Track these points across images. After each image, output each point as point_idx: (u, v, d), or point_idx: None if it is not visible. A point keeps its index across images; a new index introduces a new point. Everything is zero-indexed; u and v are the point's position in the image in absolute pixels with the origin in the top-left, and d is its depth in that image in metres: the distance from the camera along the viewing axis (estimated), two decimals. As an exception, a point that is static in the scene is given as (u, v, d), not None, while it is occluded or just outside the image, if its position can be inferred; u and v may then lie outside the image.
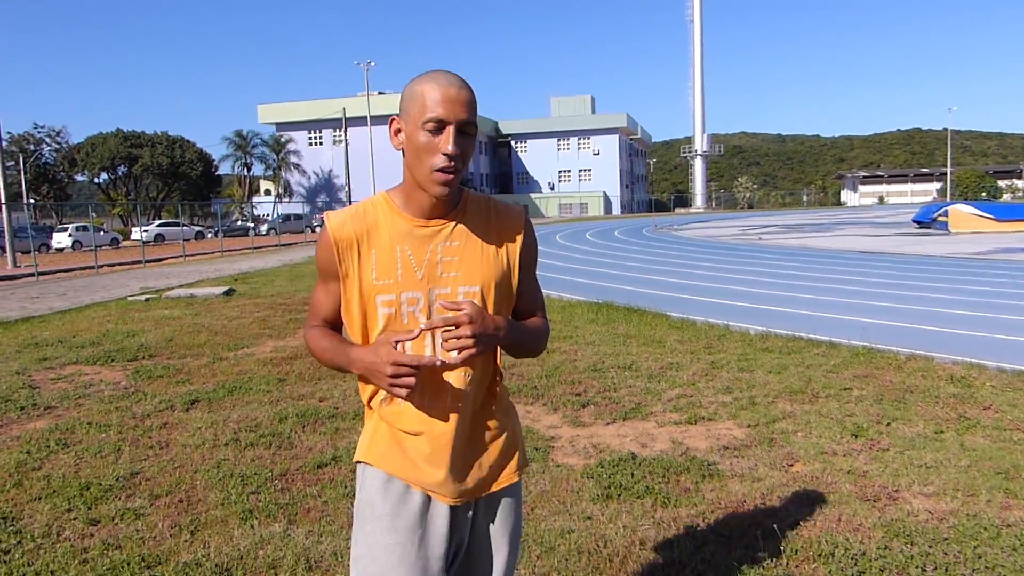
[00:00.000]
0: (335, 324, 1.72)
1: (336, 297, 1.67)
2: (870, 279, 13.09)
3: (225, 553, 3.23)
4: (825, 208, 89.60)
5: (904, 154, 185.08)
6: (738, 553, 3.10)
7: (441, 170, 1.51)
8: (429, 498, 1.66)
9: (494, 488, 1.72)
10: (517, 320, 1.71)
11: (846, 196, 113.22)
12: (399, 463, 1.65)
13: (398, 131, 1.58)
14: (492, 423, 1.72)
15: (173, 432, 5.10)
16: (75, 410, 5.76)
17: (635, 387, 5.91)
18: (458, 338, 1.49)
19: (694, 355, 6.98)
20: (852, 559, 3.00)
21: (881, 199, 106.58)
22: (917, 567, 2.93)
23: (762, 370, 6.29)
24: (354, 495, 3.88)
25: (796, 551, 3.09)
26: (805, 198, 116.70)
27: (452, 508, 1.67)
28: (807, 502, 3.61)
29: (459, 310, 1.50)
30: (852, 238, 25.48)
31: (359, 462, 1.72)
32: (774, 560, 3.03)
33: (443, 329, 1.51)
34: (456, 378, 1.62)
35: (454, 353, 1.52)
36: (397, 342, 1.50)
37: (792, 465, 4.14)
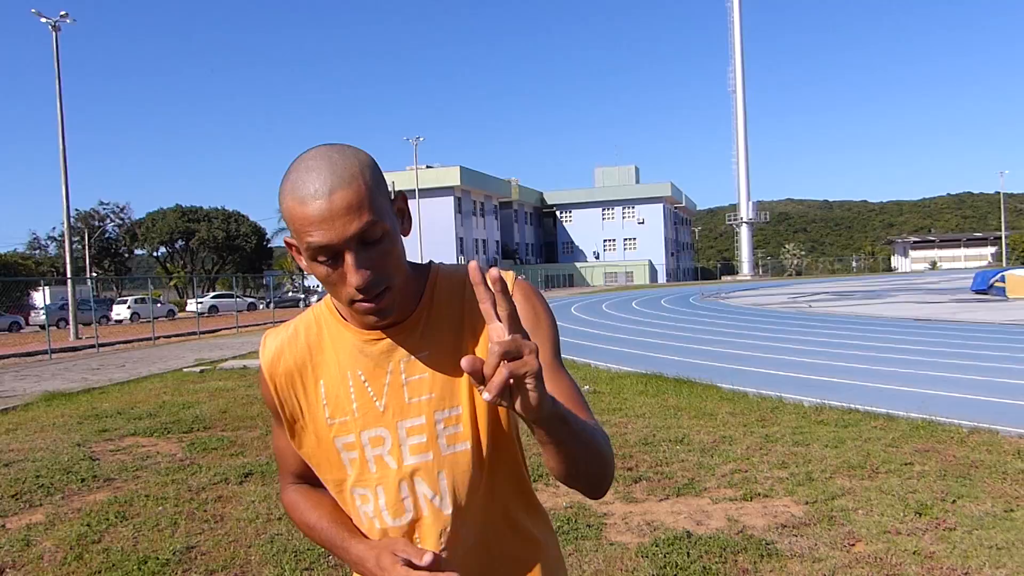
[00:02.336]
0: (311, 477, 1.31)
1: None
2: (926, 348, 12.77)
3: (280, 631, 3.24)
4: (875, 274, 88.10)
5: (956, 218, 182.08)
6: (801, 639, 2.99)
7: (360, 303, 1.10)
8: None
9: None
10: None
11: (897, 262, 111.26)
12: None
13: (298, 250, 1.12)
14: (510, 569, 1.26)
15: (228, 505, 5.16)
16: (133, 482, 5.88)
17: (687, 461, 5.81)
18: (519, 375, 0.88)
19: (747, 428, 6.86)
20: (922, 647, 2.88)
21: (933, 264, 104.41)
22: (993, 657, 2.79)
23: (818, 444, 6.14)
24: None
25: (862, 638, 2.98)
26: (854, 264, 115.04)
27: None
28: (872, 585, 3.49)
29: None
30: (905, 305, 24.93)
31: None
32: (839, 647, 2.92)
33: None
34: (453, 533, 1.21)
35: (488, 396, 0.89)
36: (405, 560, 1.09)
37: (854, 545, 4.01)
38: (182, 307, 51.76)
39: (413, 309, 1.19)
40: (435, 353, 1.18)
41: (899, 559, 3.77)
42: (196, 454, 6.76)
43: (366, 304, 1.09)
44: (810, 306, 26.72)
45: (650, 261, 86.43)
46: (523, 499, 1.29)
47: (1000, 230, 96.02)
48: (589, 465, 1.08)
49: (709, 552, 3.94)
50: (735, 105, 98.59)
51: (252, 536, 4.49)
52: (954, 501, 4.61)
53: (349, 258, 1.06)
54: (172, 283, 69.75)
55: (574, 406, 1.13)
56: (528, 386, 0.89)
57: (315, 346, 1.23)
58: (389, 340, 1.18)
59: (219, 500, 5.30)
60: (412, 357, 1.18)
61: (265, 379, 1.25)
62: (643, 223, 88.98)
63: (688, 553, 3.93)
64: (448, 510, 1.19)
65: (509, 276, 1.20)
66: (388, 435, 1.19)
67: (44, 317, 25.29)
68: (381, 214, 1.07)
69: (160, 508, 5.15)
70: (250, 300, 51.51)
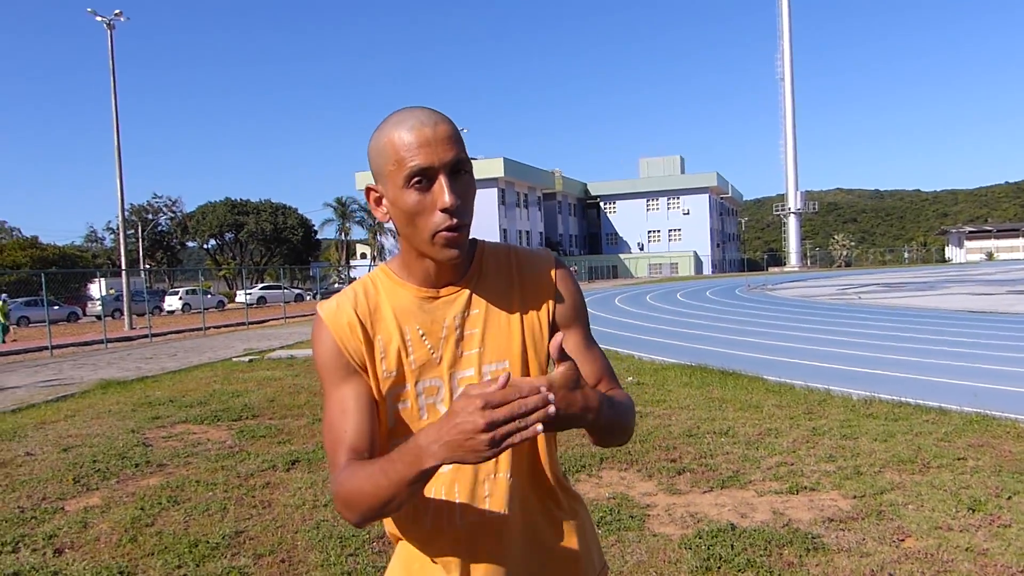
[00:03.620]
0: (368, 446, 1.24)
1: (361, 400, 1.26)
2: (981, 340, 12.41)
3: (325, 614, 3.30)
4: (928, 265, 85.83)
5: (1014, 207, 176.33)
6: (848, 634, 2.95)
7: (445, 229, 1.20)
8: None
9: None
10: None
11: (951, 253, 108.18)
12: None
13: (379, 199, 1.26)
14: (550, 531, 1.36)
15: (275, 492, 5.27)
16: (184, 468, 6.03)
17: (732, 454, 5.75)
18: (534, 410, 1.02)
19: (793, 421, 6.76)
20: (974, 645, 2.81)
21: (990, 255, 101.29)
22: (1048, 657, 2.72)
23: (867, 437, 6.02)
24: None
25: (911, 634, 2.93)
26: (906, 255, 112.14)
27: None
28: (921, 581, 3.41)
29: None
30: (959, 297, 24.25)
31: None
32: (887, 643, 2.87)
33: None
34: (495, 481, 1.30)
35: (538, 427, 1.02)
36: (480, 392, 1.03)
37: (903, 540, 3.93)
38: (231, 298, 52.85)
39: (464, 273, 1.31)
40: (485, 312, 1.30)
41: (950, 555, 3.68)
42: (245, 441, 6.90)
43: (449, 233, 1.20)
44: (860, 297, 26.17)
45: (695, 252, 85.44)
46: (556, 458, 1.40)
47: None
48: (621, 434, 1.28)
49: (754, 545, 3.90)
50: (783, 93, 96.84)
51: (299, 522, 4.58)
52: (1009, 497, 4.48)
53: (444, 181, 1.18)
54: (222, 274, 71.21)
55: (603, 377, 1.35)
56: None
57: (373, 305, 1.31)
58: (444, 298, 1.30)
59: (267, 486, 5.41)
60: (465, 314, 1.30)
61: (329, 331, 1.28)
62: (688, 214, 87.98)
63: (732, 545, 3.89)
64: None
65: (547, 256, 1.38)
66: (442, 384, 1.28)
67: (100, 308, 26.07)
68: (468, 158, 1.24)
69: (210, 493, 5.27)
70: (297, 291, 52.32)
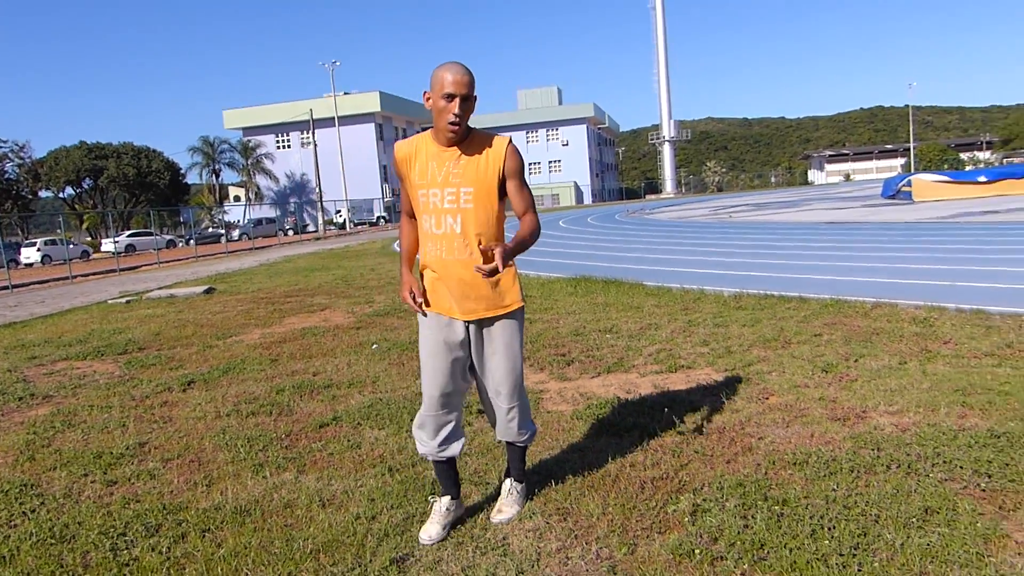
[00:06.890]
0: (412, 209, 2.91)
1: (411, 190, 2.84)
2: (837, 245, 13.47)
3: (242, 498, 3.43)
4: (793, 187, 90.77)
5: (868, 131, 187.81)
6: (720, 467, 3.35)
7: (451, 123, 2.64)
8: (451, 319, 2.84)
9: (490, 314, 2.84)
10: (516, 215, 2.88)
11: (813, 175, 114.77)
12: (434, 298, 2.86)
13: (428, 98, 2.67)
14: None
15: (174, 409, 5.26)
16: (73, 397, 5.89)
17: (616, 346, 6.16)
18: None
19: (671, 316, 7.25)
20: (824, 464, 3.27)
21: (847, 176, 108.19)
22: (883, 466, 3.20)
23: (736, 324, 6.57)
24: (357, 448, 4.09)
25: (773, 462, 3.36)
26: (773, 179, 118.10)
27: (465, 323, 2.84)
28: (782, 425, 3.88)
29: (492, 251, 2.62)
30: (819, 211, 25.98)
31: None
32: (753, 470, 3.29)
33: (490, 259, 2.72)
34: (461, 248, 2.77)
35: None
36: (412, 295, 2.86)
37: (768, 398, 4.41)
38: (96, 248, 49.83)
39: (461, 142, 2.74)
40: (466, 162, 2.73)
41: (807, 405, 4.18)
42: (135, 370, 6.77)
43: (453, 126, 2.64)
44: (731, 216, 27.56)
45: (575, 183, 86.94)
46: (494, 244, 2.71)
47: (910, 141, 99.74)
48: (527, 248, 2.80)
49: (638, 411, 4.28)
50: (655, 22, 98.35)
51: (203, 430, 4.63)
52: (856, 360, 5.07)
53: (458, 102, 2.62)
54: (85, 225, 66.80)
55: (527, 209, 2.86)
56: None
57: (419, 148, 2.80)
58: (448, 153, 2.74)
59: (165, 405, 5.39)
60: (457, 161, 2.73)
61: (396, 159, 2.86)
62: (567, 145, 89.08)
63: (619, 413, 4.25)
64: (459, 230, 2.76)
65: (505, 140, 2.79)
66: (440, 191, 2.75)
67: (-51, 261, 24.02)
68: (474, 94, 2.70)
69: (106, 415, 5.21)
70: (169, 237, 49.85)
